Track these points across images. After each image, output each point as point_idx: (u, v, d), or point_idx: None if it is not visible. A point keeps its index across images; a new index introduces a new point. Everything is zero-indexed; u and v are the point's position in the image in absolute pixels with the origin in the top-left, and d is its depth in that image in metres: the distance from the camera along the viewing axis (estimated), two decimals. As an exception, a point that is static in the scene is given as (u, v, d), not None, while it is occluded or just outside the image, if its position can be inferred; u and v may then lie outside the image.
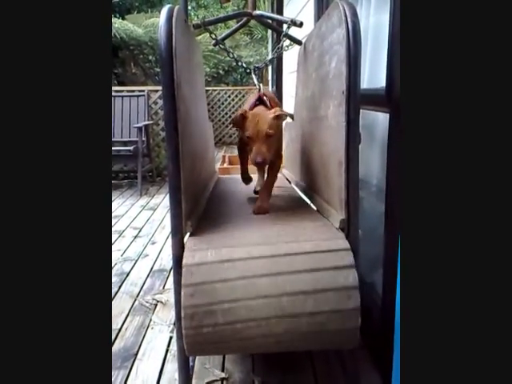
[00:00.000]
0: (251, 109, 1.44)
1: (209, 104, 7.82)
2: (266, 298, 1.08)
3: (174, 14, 1.11)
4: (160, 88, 1.12)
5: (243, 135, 1.37)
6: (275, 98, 1.69)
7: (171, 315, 1.86)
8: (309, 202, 1.62)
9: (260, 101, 1.48)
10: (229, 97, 8.04)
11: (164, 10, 1.11)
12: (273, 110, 1.37)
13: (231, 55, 1.62)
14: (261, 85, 1.57)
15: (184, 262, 1.10)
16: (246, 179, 1.70)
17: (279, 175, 2.22)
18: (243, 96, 7.99)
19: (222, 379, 1.44)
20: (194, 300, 1.07)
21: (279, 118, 1.36)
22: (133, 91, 4.83)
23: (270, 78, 6.53)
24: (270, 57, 1.72)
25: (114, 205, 3.86)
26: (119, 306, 1.97)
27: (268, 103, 1.47)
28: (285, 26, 1.62)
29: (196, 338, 1.09)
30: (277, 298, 1.08)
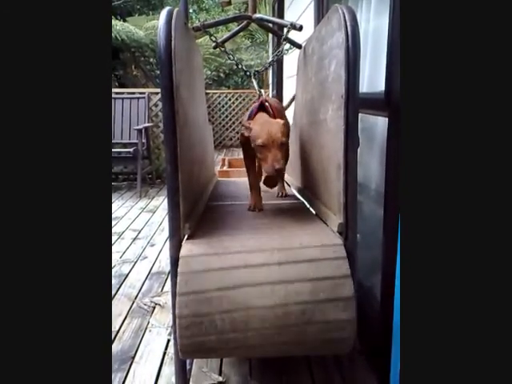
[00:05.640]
0: (253, 116, 1.44)
1: (209, 107, 7.83)
2: (262, 308, 1.07)
3: (174, 16, 1.11)
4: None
5: (254, 145, 1.32)
6: (279, 105, 1.68)
7: (169, 318, 1.86)
8: (308, 205, 1.62)
9: (262, 108, 1.47)
10: (229, 100, 8.05)
11: (163, 13, 1.11)
12: (279, 120, 1.37)
13: (231, 58, 1.62)
14: (262, 91, 1.56)
15: (179, 270, 1.09)
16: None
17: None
18: (244, 99, 8.00)
19: (220, 383, 1.43)
20: (188, 310, 1.06)
21: (286, 126, 1.36)
22: (133, 93, 4.84)
23: (270, 81, 6.54)
24: (269, 60, 1.72)
25: (114, 206, 3.86)
26: (117, 308, 1.96)
27: (270, 110, 1.46)
28: (285, 30, 1.62)
29: (190, 346, 1.09)
30: (272, 308, 1.07)
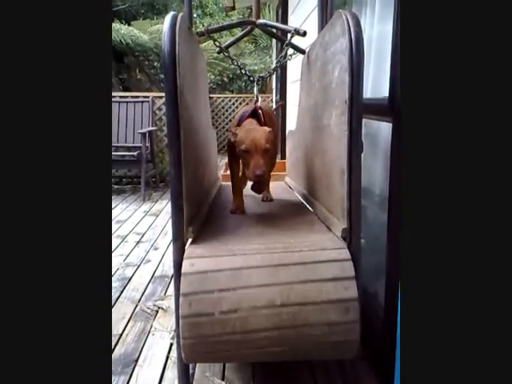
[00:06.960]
0: (243, 121, 1.45)
1: (213, 111, 7.84)
2: (264, 308, 1.07)
3: (178, 20, 1.12)
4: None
5: (238, 150, 1.33)
6: (271, 113, 1.70)
7: (172, 322, 1.85)
8: (311, 210, 1.62)
9: (254, 114, 1.48)
10: (233, 104, 8.07)
11: (168, 17, 1.12)
12: (265, 128, 1.38)
13: (235, 63, 1.62)
14: (259, 96, 1.57)
15: (183, 270, 1.10)
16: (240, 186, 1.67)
17: (282, 183, 2.22)
18: (247, 104, 8.00)
19: (222, 387, 1.43)
20: (191, 309, 1.07)
21: (272, 133, 1.37)
22: (137, 97, 4.86)
23: (273, 86, 6.55)
24: (273, 66, 1.73)
25: (117, 210, 3.87)
26: (120, 312, 1.96)
27: (262, 118, 1.47)
28: (288, 35, 1.63)
29: (194, 348, 1.09)
30: (276, 308, 1.07)
